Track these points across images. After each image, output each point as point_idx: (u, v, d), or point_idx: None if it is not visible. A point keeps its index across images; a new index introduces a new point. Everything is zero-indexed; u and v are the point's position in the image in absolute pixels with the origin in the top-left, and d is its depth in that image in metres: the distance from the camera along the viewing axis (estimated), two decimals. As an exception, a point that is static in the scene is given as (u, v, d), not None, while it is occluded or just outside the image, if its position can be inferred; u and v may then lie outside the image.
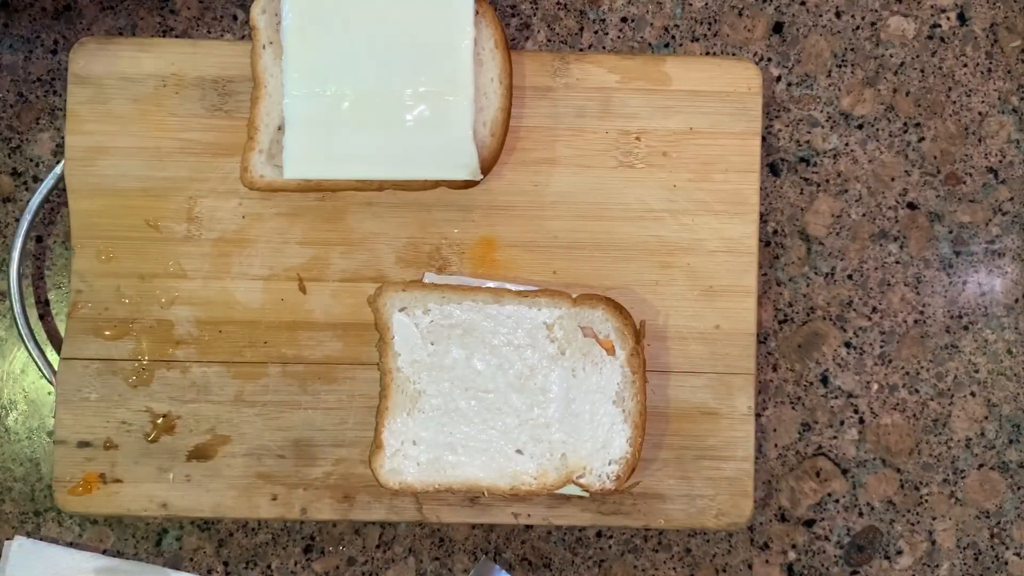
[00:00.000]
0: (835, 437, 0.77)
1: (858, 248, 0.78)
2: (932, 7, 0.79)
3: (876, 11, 0.79)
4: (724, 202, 0.75)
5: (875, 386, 0.77)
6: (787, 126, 0.78)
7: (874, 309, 0.77)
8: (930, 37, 0.79)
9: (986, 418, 0.77)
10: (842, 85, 0.78)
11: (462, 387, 0.72)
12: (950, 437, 0.77)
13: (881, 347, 0.77)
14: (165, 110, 0.74)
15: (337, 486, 0.74)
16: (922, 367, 0.77)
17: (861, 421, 0.77)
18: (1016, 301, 0.78)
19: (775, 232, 0.78)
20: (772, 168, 0.78)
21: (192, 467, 0.74)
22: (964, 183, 0.78)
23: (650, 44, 0.78)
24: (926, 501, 0.77)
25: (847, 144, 0.78)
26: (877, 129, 0.78)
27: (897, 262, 0.78)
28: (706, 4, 0.78)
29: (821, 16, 0.79)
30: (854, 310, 0.77)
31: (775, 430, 0.77)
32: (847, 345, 0.77)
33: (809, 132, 0.78)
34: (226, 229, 0.74)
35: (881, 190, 0.78)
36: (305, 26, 0.72)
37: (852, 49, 0.78)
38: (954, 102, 0.78)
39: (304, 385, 0.74)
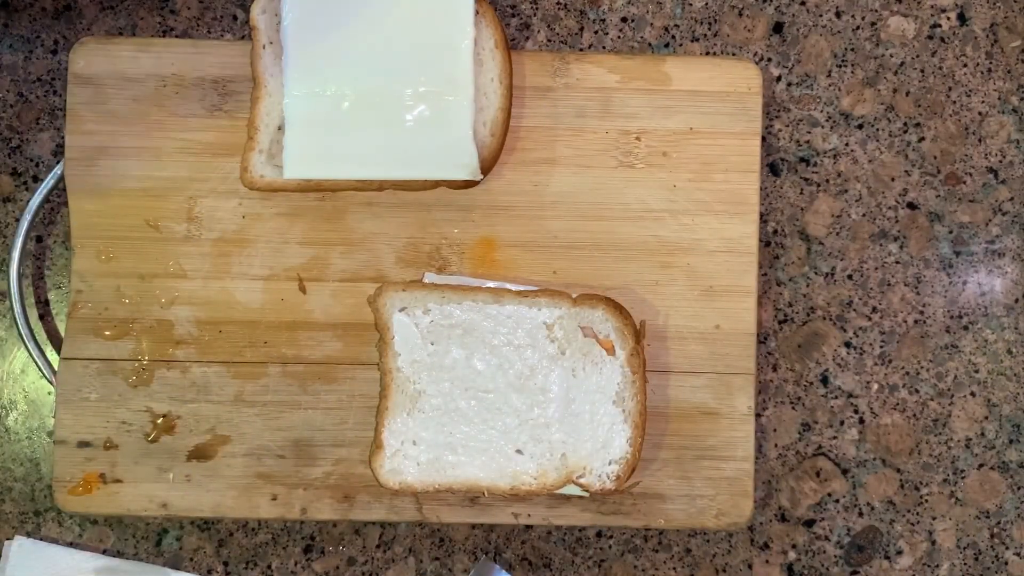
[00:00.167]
0: (835, 437, 0.77)
1: (858, 248, 0.78)
2: (932, 7, 0.79)
3: (876, 11, 0.79)
4: (724, 202, 0.75)
5: (875, 386, 0.77)
6: (787, 126, 0.78)
7: (874, 309, 0.78)
8: (930, 37, 0.79)
9: (986, 418, 0.77)
10: (842, 85, 0.78)
11: (462, 387, 0.72)
12: (950, 437, 0.77)
13: (881, 347, 0.77)
14: (165, 110, 0.74)
15: (337, 486, 0.74)
16: (922, 367, 0.77)
17: (861, 421, 0.77)
18: (1016, 301, 0.78)
19: (775, 232, 0.78)
20: (772, 168, 0.78)
21: (192, 467, 0.74)
22: (964, 183, 0.78)
23: (650, 44, 0.78)
24: (926, 501, 0.77)
25: (847, 144, 0.78)
26: (877, 129, 0.78)
27: (897, 262, 0.78)
28: (706, 4, 0.78)
29: (821, 16, 0.79)
30: (854, 310, 0.77)
31: (775, 430, 0.77)
32: (847, 345, 0.77)
33: (809, 132, 0.78)
34: (226, 229, 0.74)
35: (881, 190, 0.78)
36: (305, 26, 0.72)
37: (852, 49, 0.78)
38: (954, 102, 0.78)
39: (304, 385, 0.74)
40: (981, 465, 0.77)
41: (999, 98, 0.78)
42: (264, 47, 0.73)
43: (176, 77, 0.75)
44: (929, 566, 0.77)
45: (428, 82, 0.72)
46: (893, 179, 0.78)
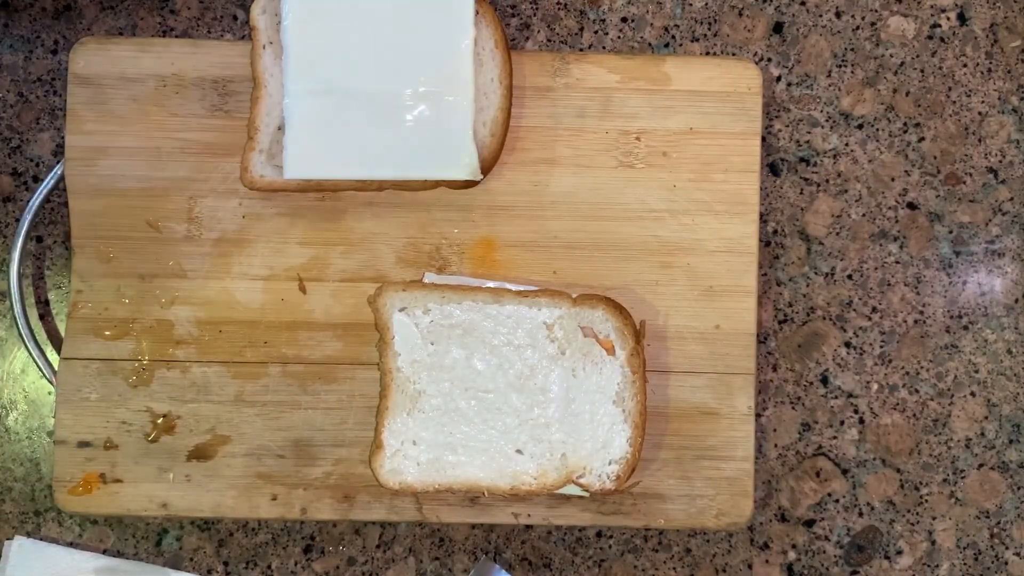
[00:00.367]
0: (835, 437, 0.77)
1: (858, 248, 0.78)
2: (932, 7, 0.79)
3: (876, 11, 0.79)
4: (724, 202, 0.75)
5: (875, 386, 0.77)
6: (787, 126, 0.78)
7: (874, 309, 0.78)
8: (930, 37, 0.79)
9: (986, 418, 0.77)
10: (842, 85, 0.78)
11: (462, 387, 0.72)
12: (950, 437, 0.77)
13: (881, 347, 0.77)
14: (165, 110, 0.74)
15: (337, 486, 0.74)
16: (922, 367, 0.77)
17: (861, 421, 0.77)
18: (1016, 301, 0.78)
19: (775, 232, 0.78)
20: (772, 168, 0.78)
21: (192, 467, 0.74)
22: (964, 183, 0.78)
23: (650, 44, 0.78)
24: (926, 501, 0.77)
25: (847, 144, 0.78)
26: (877, 129, 0.78)
27: (897, 262, 0.78)
28: (706, 4, 0.78)
29: (821, 16, 0.79)
30: (854, 310, 0.77)
31: (775, 430, 0.77)
32: (847, 345, 0.77)
33: (809, 132, 0.78)
34: (226, 229, 0.74)
35: (881, 190, 0.78)
36: (305, 26, 0.72)
37: (852, 49, 0.78)
38: (954, 102, 0.78)
39: (304, 385, 0.74)
40: (981, 465, 0.77)
41: (999, 98, 0.78)
42: (264, 47, 0.73)
43: (176, 77, 0.75)
44: (929, 566, 0.77)
45: (428, 82, 0.72)
46: (893, 179, 0.78)
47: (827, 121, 0.78)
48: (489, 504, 0.74)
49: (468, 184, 0.74)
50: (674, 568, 0.76)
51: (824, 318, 0.77)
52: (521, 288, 0.73)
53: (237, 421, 0.74)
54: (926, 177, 0.78)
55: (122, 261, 0.74)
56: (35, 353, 0.75)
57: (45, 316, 0.77)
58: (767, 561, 0.77)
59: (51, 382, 0.75)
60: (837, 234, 0.78)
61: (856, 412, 0.77)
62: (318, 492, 0.74)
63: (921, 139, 0.78)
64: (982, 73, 0.78)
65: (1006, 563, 0.77)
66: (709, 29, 0.78)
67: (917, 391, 0.77)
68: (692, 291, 0.74)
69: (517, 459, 0.72)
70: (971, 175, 0.78)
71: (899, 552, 0.77)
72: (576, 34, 0.78)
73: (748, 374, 0.74)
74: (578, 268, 0.74)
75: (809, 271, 0.78)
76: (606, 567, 0.76)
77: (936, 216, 0.78)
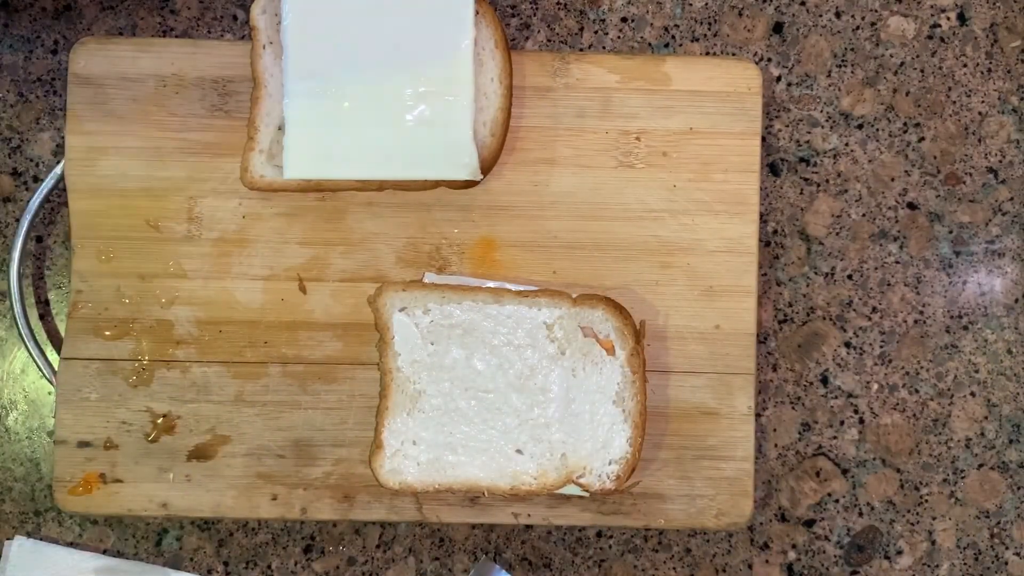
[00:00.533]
0: (835, 437, 0.77)
1: (858, 248, 0.78)
2: (932, 7, 0.79)
3: (876, 11, 0.79)
4: (724, 202, 0.75)
5: (875, 386, 0.77)
6: (787, 126, 0.78)
7: (874, 309, 0.78)
8: (930, 37, 0.79)
9: (986, 418, 0.77)
10: (842, 85, 0.78)
11: (462, 387, 0.72)
12: (950, 437, 0.77)
13: (881, 347, 0.77)
14: (165, 110, 0.74)
15: (337, 486, 0.74)
16: (922, 367, 0.77)
17: (861, 421, 0.77)
18: (1016, 301, 0.78)
19: (775, 232, 0.78)
20: (772, 168, 0.78)
21: (192, 467, 0.74)
22: (964, 183, 0.78)
23: (650, 44, 0.78)
24: (926, 501, 0.77)
25: (847, 144, 0.78)
26: (877, 129, 0.78)
27: (897, 262, 0.78)
28: (706, 4, 0.78)
29: (821, 16, 0.79)
30: (854, 310, 0.77)
31: (775, 430, 0.77)
32: (847, 345, 0.77)
33: (809, 132, 0.78)
34: (226, 229, 0.74)
35: (881, 190, 0.78)
36: (305, 26, 0.72)
37: (852, 49, 0.78)
38: (954, 102, 0.78)
39: (304, 385, 0.74)
40: (981, 465, 0.77)
41: (999, 98, 0.78)
42: (264, 47, 0.73)
43: (176, 77, 0.75)
44: (929, 566, 0.77)
45: (428, 82, 0.72)
46: (893, 179, 0.78)
47: (827, 121, 0.78)
48: (489, 504, 0.74)
49: (468, 184, 0.74)
50: (674, 568, 0.76)
51: (824, 318, 0.77)
52: (521, 288, 0.73)
53: (237, 421, 0.74)
54: (926, 177, 0.78)
55: (122, 261, 0.74)
56: (35, 353, 0.75)
57: (45, 316, 0.77)
58: (767, 561, 0.77)
59: (51, 382, 0.75)
60: (837, 234, 0.78)
61: (856, 412, 0.77)
62: (318, 492, 0.74)
63: (921, 139, 0.78)
64: (982, 73, 0.78)
65: (1006, 563, 0.77)
66: (709, 29, 0.78)
67: (917, 391, 0.77)
68: (692, 291, 0.74)
69: (517, 459, 0.72)
70: (971, 175, 0.78)
71: (899, 552, 0.77)
72: (576, 34, 0.78)
73: (748, 374, 0.74)
74: (578, 268, 0.74)
75: (809, 271, 0.78)
76: (606, 567, 0.76)
77: (936, 216, 0.78)
